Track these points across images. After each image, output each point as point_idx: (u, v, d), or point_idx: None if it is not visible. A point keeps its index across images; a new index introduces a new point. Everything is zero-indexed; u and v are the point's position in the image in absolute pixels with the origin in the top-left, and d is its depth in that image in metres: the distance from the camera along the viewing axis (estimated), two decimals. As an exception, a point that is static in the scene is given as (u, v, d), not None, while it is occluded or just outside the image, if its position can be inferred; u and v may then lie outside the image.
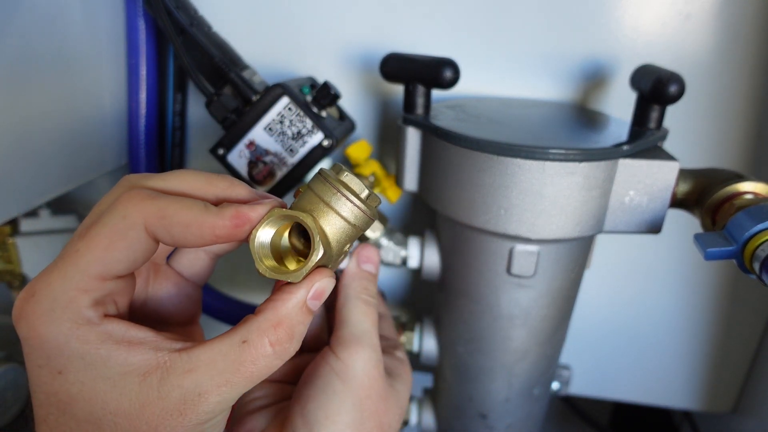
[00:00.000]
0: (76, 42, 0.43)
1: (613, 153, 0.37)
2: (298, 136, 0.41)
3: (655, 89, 0.38)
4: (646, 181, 0.38)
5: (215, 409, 0.23)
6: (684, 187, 0.39)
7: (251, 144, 0.42)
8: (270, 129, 0.41)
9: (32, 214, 0.57)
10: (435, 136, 0.40)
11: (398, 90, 0.52)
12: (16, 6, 0.37)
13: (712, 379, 0.61)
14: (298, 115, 0.41)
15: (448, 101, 0.48)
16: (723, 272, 0.56)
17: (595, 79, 0.50)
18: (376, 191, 0.48)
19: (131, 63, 0.48)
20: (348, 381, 0.32)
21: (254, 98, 0.41)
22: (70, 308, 0.22)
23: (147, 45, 0.48)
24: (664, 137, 0.41)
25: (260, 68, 0.48)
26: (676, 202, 0.40)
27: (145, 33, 0.47)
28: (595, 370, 0.63)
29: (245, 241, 0.25)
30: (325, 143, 0.41)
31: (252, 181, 0.43)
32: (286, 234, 0.26)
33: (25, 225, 0.56)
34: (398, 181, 0.45)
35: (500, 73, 0.51)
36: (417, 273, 0.60)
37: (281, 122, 0.41)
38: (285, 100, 0.41)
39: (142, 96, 0.49)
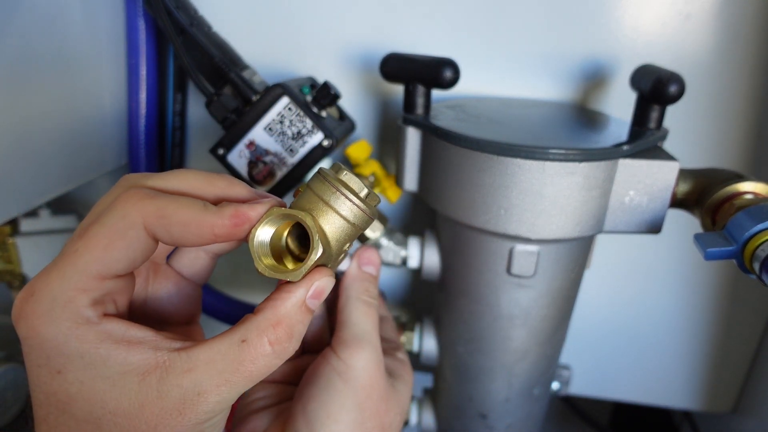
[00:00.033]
0: (76, 42, 0.43)
1: (613, 153, 0.37)
2: (298, 136, 0.41)
3: (655, 89, 0.38)
4: (646, 181, 0.38)
5: (214, 408, 0.23)
6: (684, 187, 0.39)
7: (251, 144, 0.42)
8: (270, 129, 0.41)
9: (32, 214, 0.57)
10: (435, 136, 0.40)
11: (398, 90, 0.52)
12: (16, 6, 0.37)
13: (712, 379, 0.61)
14: (298, 115, 0.41)
15: (448, 101, 0.48)
16: (723, 272, 0.56)
17: (595, 79, 0.50)
18: (376, 191, 0.48)
19: (131, 63, 0.48)
20: (349, 380, 0.32)
21: (254, 98, 0.41)
22: (69, 308, 0.22)
23: (147, 45, 0.48)
24: (664, 137, 0.41)
25: (260, 68, 0.48)
26: (676, 202, 0.40)
27: (145, 33, 0.47)
28: (595, 370, 0.63)
29: (245, 240, 0.25)
30: (325, 143, 0.41)
31: (252, 181, 0.43)
32: (286, 233, 0.26)
33: (25, 225, 0.56)
34: (398, 181, 0.45)
35: (500, 73, 0.51)
36: (417, 273, 0.60)
37: (281, 122, 0.41)
38: (285, 100, 0.41)
39: (142, 96, 0.49)
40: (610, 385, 0.64)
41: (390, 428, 0.33)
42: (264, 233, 0.25)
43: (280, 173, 0.42)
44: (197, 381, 0.22)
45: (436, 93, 0.43)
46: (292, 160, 0.42)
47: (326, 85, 0.43)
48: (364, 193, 0.26)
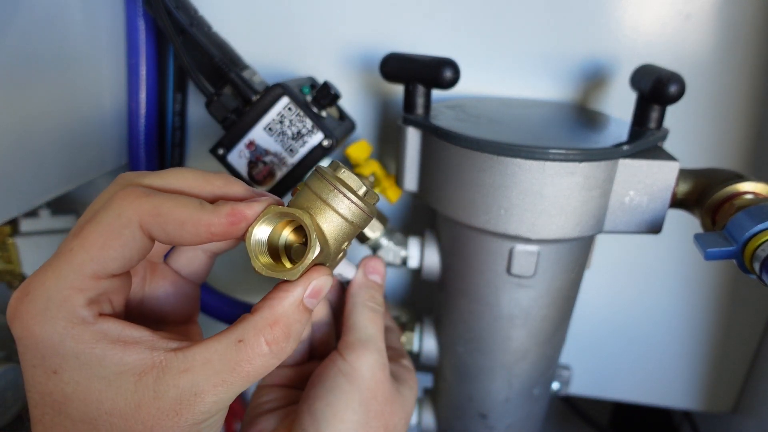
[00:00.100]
0: (76, 42, 0.43)
1: (613, 153, 0.36)
2: (298, 136, 0.41)
3: (655, 89, 0.38)
4: (646, 181, 0.38)
5: (211, 409, 0.23)
6: (684, 187, 0.39)
7: (251, 144, 0.42)
8: (270, 129, 0.41)
9: (32, 214, 0.57)
10: (435, 136, 0.40)
11: (398, 90, 0.52)
12: (16, 6, 0.37)
13: (712, 379, 0.61)
14: (298, 115, 0.41)
15: (448, 101, 0.48)
16: (723, 272, 0.56)
17: (595, 79, 0.50)
18: (376, 191, 0.48)
19: (131, 63, 0.48)
20: (355, 381, 0.32)
21: (254, 98, 0.41)
22: (64, 307, 0.22)
23: (147, 45, 0.48)
24: (664, 137, 0.41)
25: (260, 68, 0.48)
26: (676, 202, 0.40)
27: (145, 33, 0.47)
28: (595, 370, 0.62)
29: (242, 239, 0.24)
30: (325, 143, 0.41)
31: (252, 181, 0.43)
32: (284, 232, 0.26)
33: (25, 225, 0.56)
34: (398, 181, 0.45)
35: (500, 73, 0.51)
36: (417, 273, 0.59)
37: (281, 122, 0.41)
38: (285, 100, 0.41)
39: (142, 96, 0.49)
40: (610, 385, 0.64)
41: (394, 430, 0.34)
42: (261, 232, 0.24)
43: (280, 173, 0.42)
44: (194, 381, 0.22)
45: (436, 93, 0.43)
46: (292, 160, 0.42)
47: (326, 85, 0.43)
48: (362, 191, 0.26)
